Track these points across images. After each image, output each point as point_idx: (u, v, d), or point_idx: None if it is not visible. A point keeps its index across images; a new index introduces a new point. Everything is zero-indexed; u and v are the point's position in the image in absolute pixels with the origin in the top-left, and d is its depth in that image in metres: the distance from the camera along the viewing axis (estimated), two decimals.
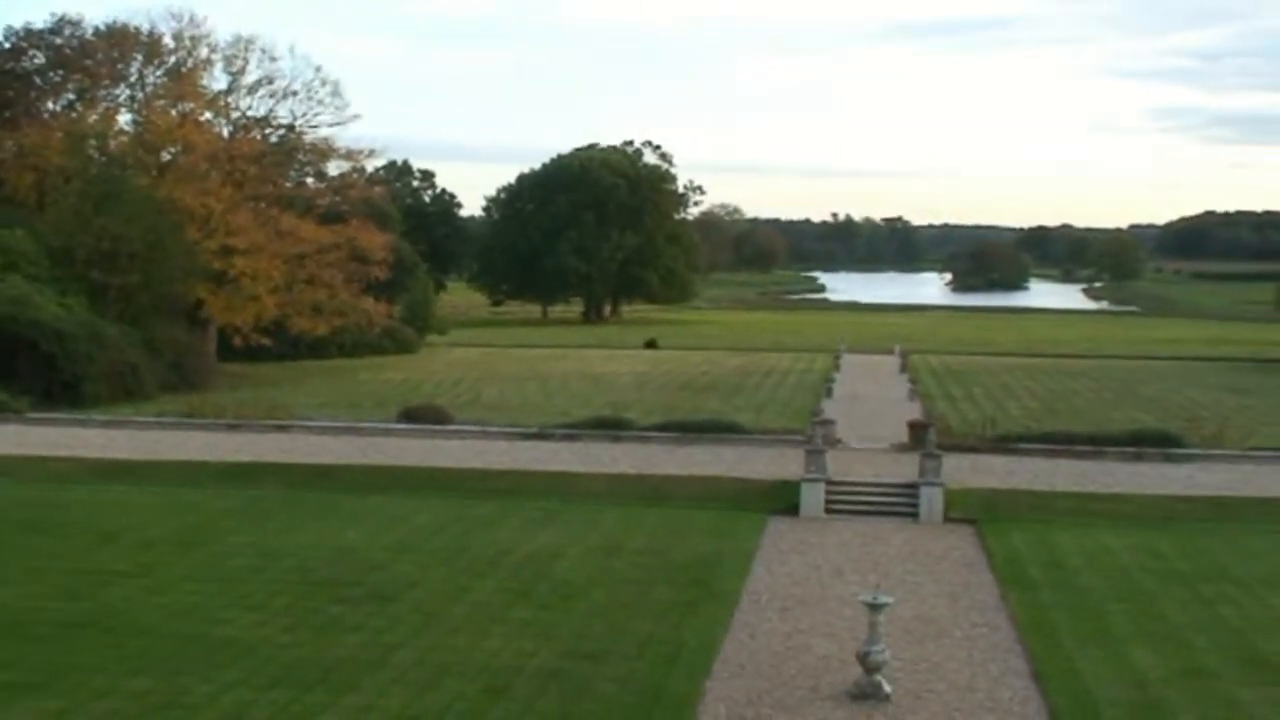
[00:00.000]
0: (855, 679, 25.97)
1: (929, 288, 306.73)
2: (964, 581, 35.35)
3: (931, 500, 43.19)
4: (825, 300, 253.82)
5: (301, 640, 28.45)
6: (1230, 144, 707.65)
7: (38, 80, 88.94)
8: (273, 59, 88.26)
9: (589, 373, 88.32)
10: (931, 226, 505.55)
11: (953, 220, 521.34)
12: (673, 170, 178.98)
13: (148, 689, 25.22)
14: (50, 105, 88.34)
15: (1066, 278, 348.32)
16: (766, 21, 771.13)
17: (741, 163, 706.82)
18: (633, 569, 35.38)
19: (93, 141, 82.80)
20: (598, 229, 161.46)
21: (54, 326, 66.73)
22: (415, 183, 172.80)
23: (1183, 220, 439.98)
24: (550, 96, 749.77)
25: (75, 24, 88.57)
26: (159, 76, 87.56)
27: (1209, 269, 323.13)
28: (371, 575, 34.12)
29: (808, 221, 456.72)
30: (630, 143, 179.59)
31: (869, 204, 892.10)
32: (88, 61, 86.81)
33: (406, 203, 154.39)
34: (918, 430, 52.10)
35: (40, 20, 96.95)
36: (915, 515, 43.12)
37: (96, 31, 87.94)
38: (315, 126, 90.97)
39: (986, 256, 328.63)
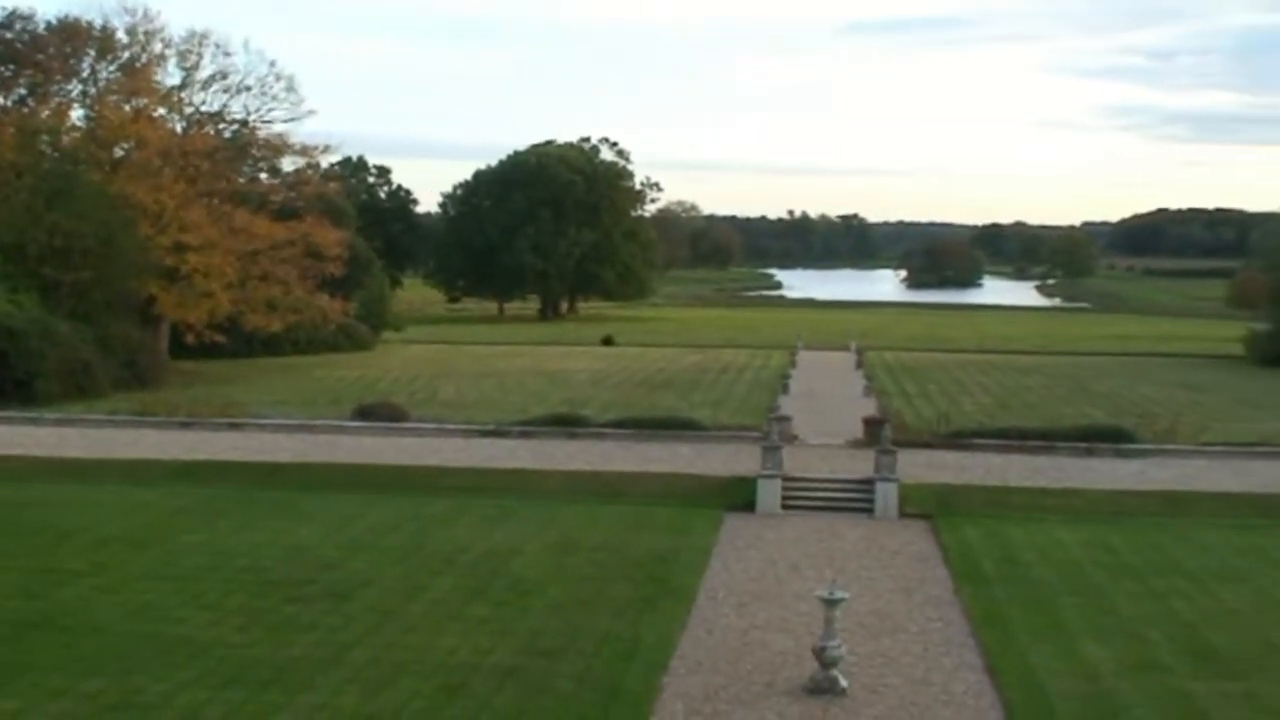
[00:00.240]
0: (811, 674, 26.07)
1: (884, 284, 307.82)
2: (919, 576, 35.54)
3: (886, 496, 43.38)
4: (781, 297, 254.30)
5: (256, 639, 28.31)
6: (1182, 142, 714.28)
7: None
8: (227, 54, 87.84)
9: (545, 370, 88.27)
10: (887, 224, 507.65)
11: (908, 217, 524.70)
12: (630, 167, 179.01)
13: (102, 689, 25.05)
14: (1, 100, 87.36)
15: (1020, 275, 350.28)
16: (723, 20, 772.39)
17: (698, 160, 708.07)
18: (589, 566, 35.38)
19: (45, 137, 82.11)
20: (554, 226, 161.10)
21: (5, 324, 66.14)
22: (371, 179, 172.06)
23: (1135, 218, 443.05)
24: (507, 93, 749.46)
25: (27, 19, 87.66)
26: (112, 72, 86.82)
27: (1161, 266, 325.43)
28: (326, 574, 33.99)
29: (764, 219, 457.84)
30: (587, 139, 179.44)
31: (825, 201, 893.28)
32: (39, 56, 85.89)
33: (362, 199, 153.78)
34: (873, 426, 52.30)
35: None
36: (870, 511, 43.29)
37: (48, 26, 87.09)
38: (269, 122, 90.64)
39: (941, 254, 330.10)
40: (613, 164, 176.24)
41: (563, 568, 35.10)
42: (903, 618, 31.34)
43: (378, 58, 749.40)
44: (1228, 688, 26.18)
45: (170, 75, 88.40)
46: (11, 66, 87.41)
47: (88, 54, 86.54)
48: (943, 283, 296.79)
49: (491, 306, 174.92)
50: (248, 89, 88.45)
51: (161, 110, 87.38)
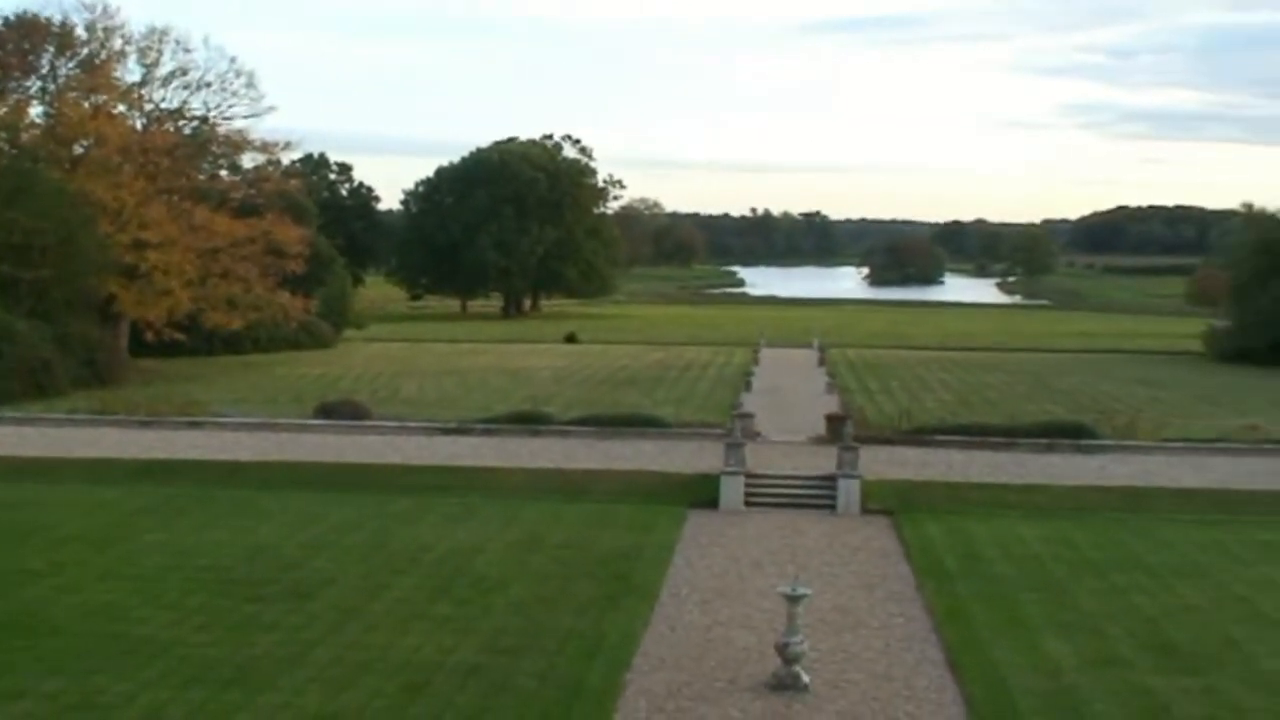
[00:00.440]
0: (774, 670, 26.14)
1: (846, 282, 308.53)
2: (880, 572, 35.67)
3: (849, 492, 43.52)
4: (744, 294, 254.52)
5: (217, 639, 28.18)
6: (1142, 140, 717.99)
7: None
8: (187, 50, 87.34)
9: (508, 367, 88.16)
10: (849, 221, 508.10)
11: (870, 215, 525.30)
12: (593, 164, 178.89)
13: (62, 689, 24.89)
14: None
15: (981, 272, 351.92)
16: (683, 18, 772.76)
17: (662, 157, 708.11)
18: (553, 564, 35.36)
19: (3, 134, 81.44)
20: (517, 223, 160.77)
21: None
22: (332, 176, 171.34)
23: (1095, 215, 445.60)
24: (469, 90, 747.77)
25: None
26: (71, 68, 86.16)
27: (1121, 263, 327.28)
28: (288, 573, 33.85)
29: (727, 216, 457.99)
30: (550, 136, 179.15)
31: (787, 199, 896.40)
32: None
33: (323, 196, 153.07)
34: (835, 423, 52.47)
35: None
36: (833, 507, 43.44)
37: (6, 22, 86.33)
38: (230, 118, 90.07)
39: (903, 251, 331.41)
40: (576, 161, 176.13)
41: (526, 565, 35.07)
42: (865, 613, 31.45)
43: (339, 54, 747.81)
44: (1188, 683, 26.36)
45: (130, 72, 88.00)
46: None
47: (47, 50, 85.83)
48: (905, 280, 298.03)
49: (454, 304, 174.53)
50: (208, 85, 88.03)
51: (121, 107, 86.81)
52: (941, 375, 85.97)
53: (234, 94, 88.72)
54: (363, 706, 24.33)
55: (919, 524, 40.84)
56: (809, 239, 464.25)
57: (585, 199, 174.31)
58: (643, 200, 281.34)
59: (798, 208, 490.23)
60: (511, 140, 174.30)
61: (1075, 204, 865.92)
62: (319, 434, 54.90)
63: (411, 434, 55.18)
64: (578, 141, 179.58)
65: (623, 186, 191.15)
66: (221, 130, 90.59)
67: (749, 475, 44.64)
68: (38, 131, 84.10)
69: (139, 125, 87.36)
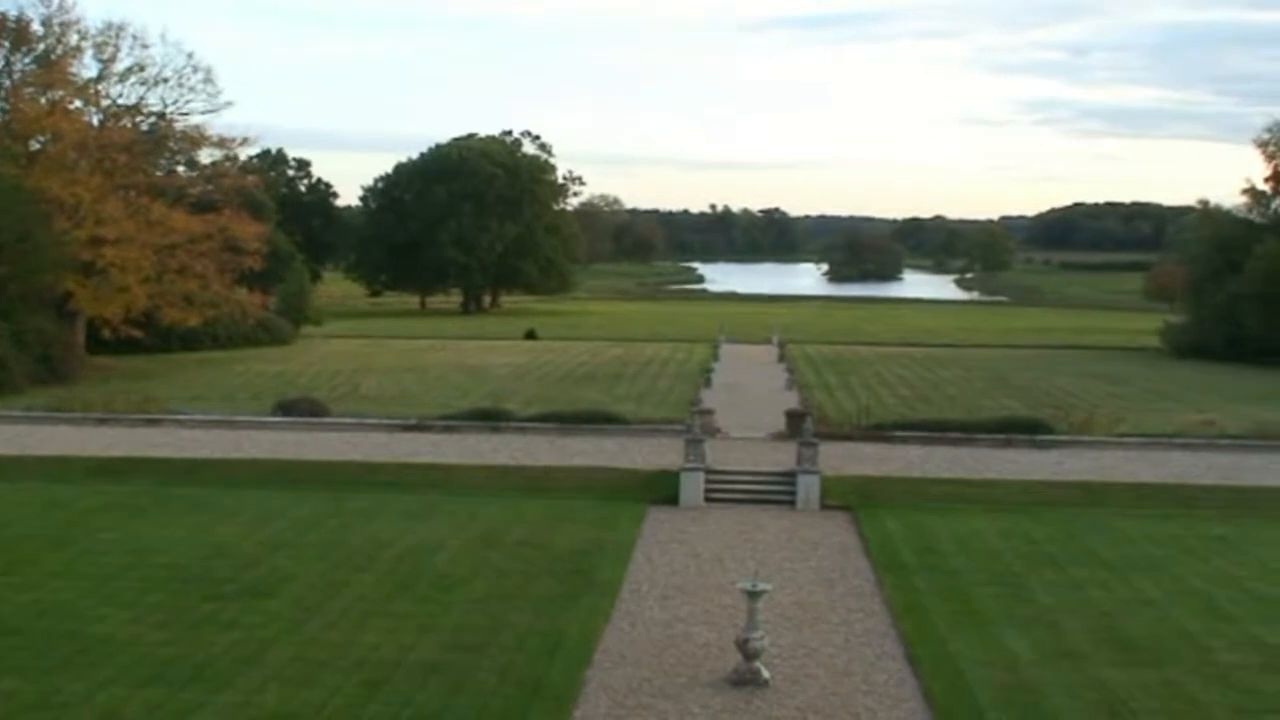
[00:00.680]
0: (734, 666, 26.21)
1: (806, 278, 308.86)
2: (840, 568, 35.79)
3: (808, 488, 43.65)
4: (704, 291, 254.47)
5: (175, 638, 28.03)
6: (1099, 136, 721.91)
7: None
8: (144, 46, 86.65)
9: (468, 364, 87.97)
10: (808, 217, 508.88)
11: (829, 211, 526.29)
12: (552, 161, 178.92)
13: (18, 688, 24.72)
14: None
15: (939, 268, 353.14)
16: (641, 15, 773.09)
17: (621, 154, 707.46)
18: (513, 560, 35.33)
19: None
20: (476, 219, 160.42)
21: None
22: (290, 172, 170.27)
23: (1053, 212, 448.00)
24: (428, 86, 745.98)
25: None
26: (27, 64, 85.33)
27: (1077, 259, 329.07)
28: (246, 571, 33.70)
29: (686, 213, 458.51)
30: (509, 133, 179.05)
31: (746, 195, 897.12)
32: None
33: (282, 192, 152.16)
34: (795, 419, 52.62)
35: None
36: (793, 503, 43.55)
37: None
38: (187, 114, 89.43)
39: (862, 247, 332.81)
40: (535, 157, 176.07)
41: (485, 562, 35.03)
42: (824, 609, 31.56)
43: (298, 49, 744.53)
44: (1145, 676, 26.56)
45: (87, 67, 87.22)
46: None
47: (2, 46, 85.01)
48: (864, 276, 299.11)
49: (413, 300, 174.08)
50: (165, 81, 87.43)
51: (78, 103, 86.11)
52: (900, 371, 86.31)
53: (191, 89, 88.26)
54: (322, 704, 24.26)
55: (878, 519, 41.00)
56: (768, 235, 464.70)
57: (545, 195, 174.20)
58: (602, 197, 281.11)
59: (757, 204, 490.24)
60: (471, 136, 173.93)
61: (1033, 200, 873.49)
62: (277, 431, 54.66)
63: (371, 431, 55.02)
64: (537, 138, 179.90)
65: (582, 183, 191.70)
66: (179, 126, 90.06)
67: (709, 471, 44.71)
68: None
69: (96, 121, 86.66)
